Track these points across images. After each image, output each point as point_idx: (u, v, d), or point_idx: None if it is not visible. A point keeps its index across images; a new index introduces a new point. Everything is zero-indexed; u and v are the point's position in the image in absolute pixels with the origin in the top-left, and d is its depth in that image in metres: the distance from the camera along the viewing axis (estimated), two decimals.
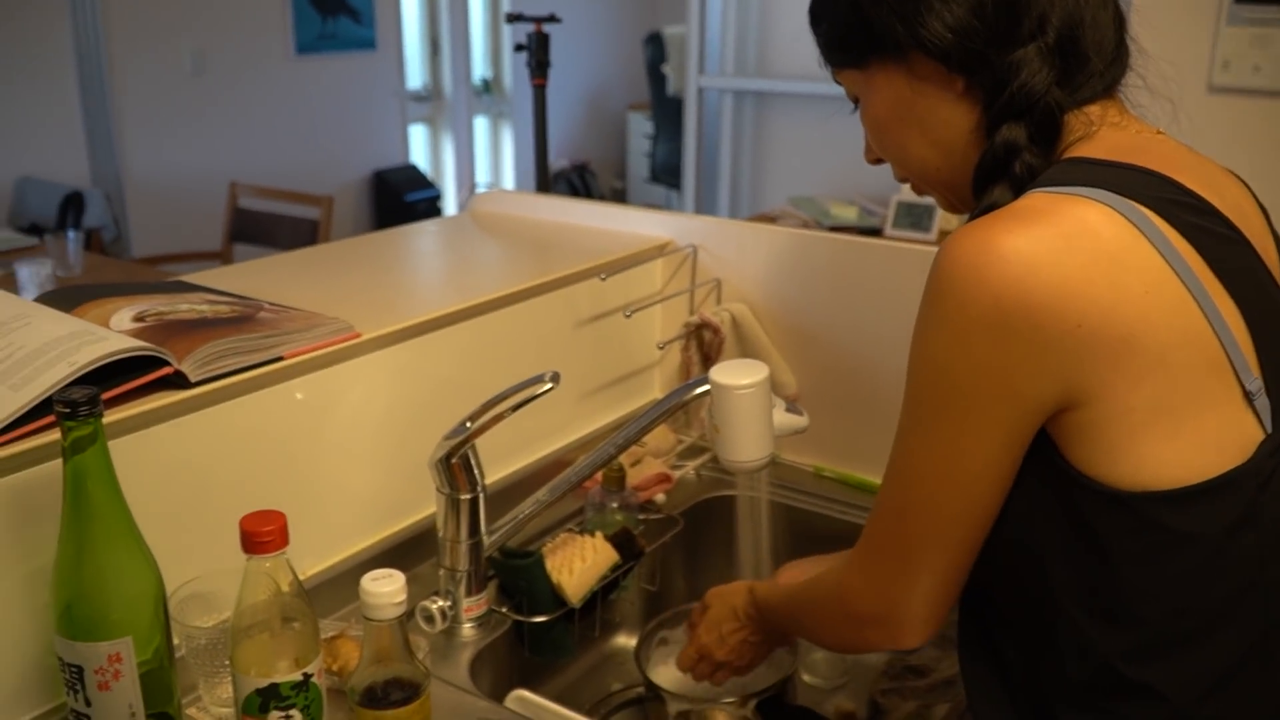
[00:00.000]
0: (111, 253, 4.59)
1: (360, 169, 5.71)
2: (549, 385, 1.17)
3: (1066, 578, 0.84)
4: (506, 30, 6.31)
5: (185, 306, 1.20)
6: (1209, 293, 0.80)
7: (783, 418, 1.19)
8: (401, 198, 5.68)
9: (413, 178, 5.83)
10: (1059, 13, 0.85)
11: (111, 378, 1.02)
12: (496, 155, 6.73)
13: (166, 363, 1.05)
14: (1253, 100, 2.82)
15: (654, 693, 1.31)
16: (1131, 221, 0.79)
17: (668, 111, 5.62)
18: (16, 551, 0.97)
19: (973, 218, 0.84)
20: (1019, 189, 0.84)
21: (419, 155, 6.16)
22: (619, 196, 6.98)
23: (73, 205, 4.42)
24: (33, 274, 3.18)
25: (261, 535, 0.92)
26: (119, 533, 0.95)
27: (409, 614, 1.17)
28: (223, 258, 4.41)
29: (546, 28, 2.49)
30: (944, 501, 0.85)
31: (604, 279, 1.52)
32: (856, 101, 0.98)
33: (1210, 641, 0.83)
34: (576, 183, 6.62)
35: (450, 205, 6.20)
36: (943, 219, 3.08)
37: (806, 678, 1.47)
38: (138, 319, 1.15)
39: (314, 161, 5.37)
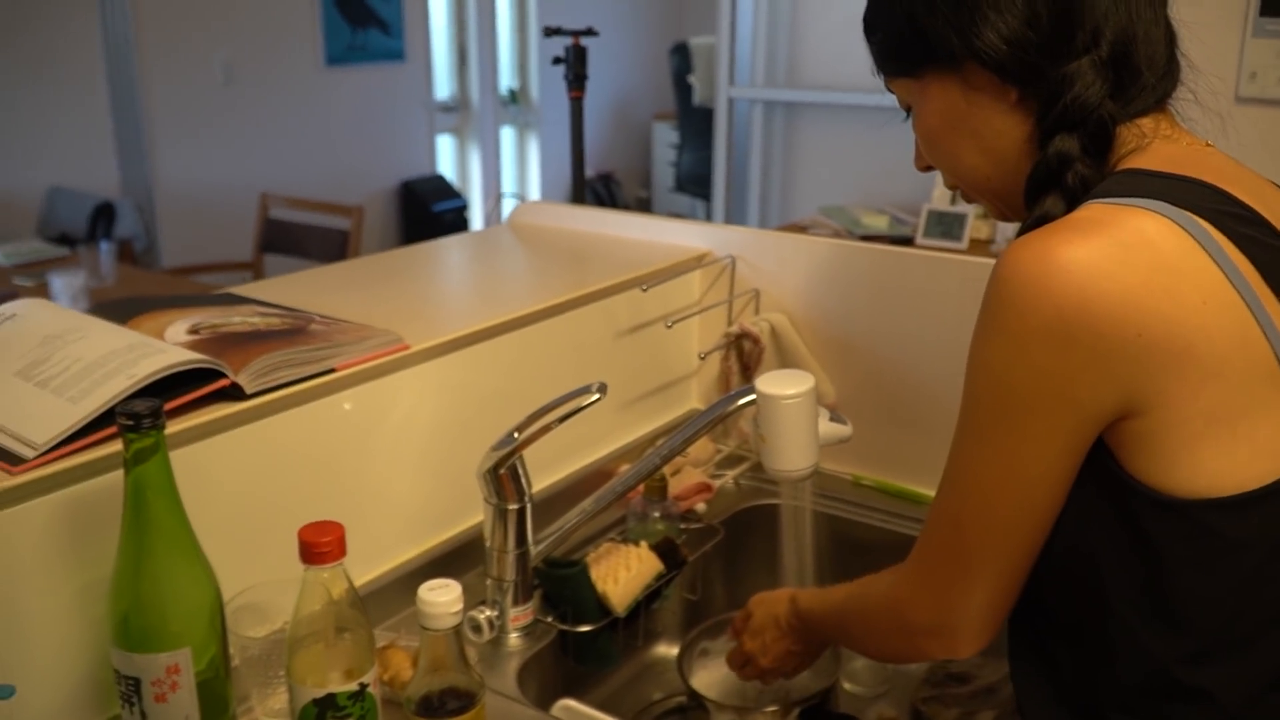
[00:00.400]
0: (142, 263, 4.63)
1: (388, 179, 5.74)
2: (596, 396, 1.18)
3: (1121, 584, 0.85)
4: (534, 41, 6.34)
5: (238, 319, 1.21)
6: (1263, 302, 0.81)
7: (827, 427, 1.20)
8: (429, 208, 5.71)
9: (440, 188, 5.86)
10: (1113, 26, 0.86)
11: (168, 390, 1.03)
12: (523, 165, 6.76)
13: (223, 375, 1.07)
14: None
15: (697, 701, 1.31)
16: (1188, 232, 0.80)
17: (693, 121, 5.63)
18: (73, 563, 0.99)
19: (1025, 228, 0.85)
20: (1071, 200, 0.85)
21: (446, 166, 6.20)
22: (644, 206, 6.99)
23: (103, 216, 4.46)
24: (66, 285, 3.21)
25: (320, 546, 0.93)
26: (178, 543, 0.96)
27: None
28: (254, 268, 4.45)
29: (584, 41, 2.50)
30: (1001, 509, 0.85)
31: (645, 290, 1.53)
32: (909, 110, 0.99)
33: (1263, 645, 0.84)
34: (601, 192, 6.64)
35: (477, 215, 6.23)
36: (974, 228, 3.08)
37: (848, 685, 1.47)
38: (192, 331, 1.16)
39: (342, 172, 5.40)
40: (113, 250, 3.62)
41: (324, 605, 0.96)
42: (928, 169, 1.02)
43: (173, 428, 1.02)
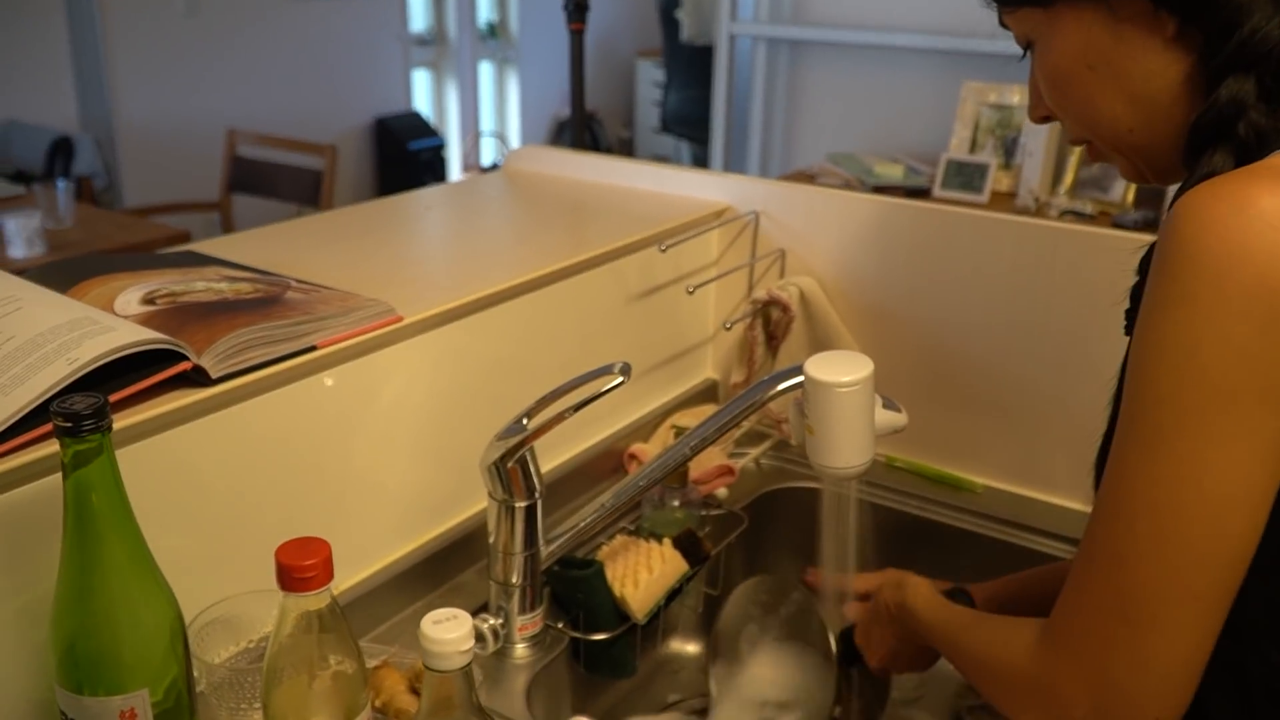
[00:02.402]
0: (103, 202, 4.41)
1: (361, 116, 5.51)
2: (619, 379, 1.02)
3: None
4: None
5: (201, 285, 1.04)
6: None
7: (882, 415, 1.04)
8: (404, 146, 5.48)
9: (416, 125, 5.63)
10: None
11: (119, 375, 0.87)
12: (502, 103, 6.52)
13: (184, 357, 0.90)
14: None
15: None
16: None
17: (680, 59, 5.41)
18: (8, 583, 0.83)
19: (1185, 188, 0.69)
20: (1243, 155, 0.69)
21: (422, 102, 5.96)
22: (626, 147, 6.78)
23: (61, 151, 4.24)
24: (20, 226, 3.01)
25: (303, 571, 0.77)
26: (129, 558, 0.80)
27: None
28: (221, 209, 4.24)
29: None
30: (1188, 541, 0.67)
31: (664, 250, 1.37)
32: (1027, 48, 0.82)
33: None
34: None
35: (455, 154, 6.01)
36: (995, 179, 2.91)
37: None
38: (147, 300, 0.99)
39: (313, 108, 5.17)
40: (70, 189, 3.41)
41: (307, 636, 0.81)
42: (1045, 119, 0.85)
43: (122, 421, 0.86)
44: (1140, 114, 0.76)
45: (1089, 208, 2.87)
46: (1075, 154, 2.94)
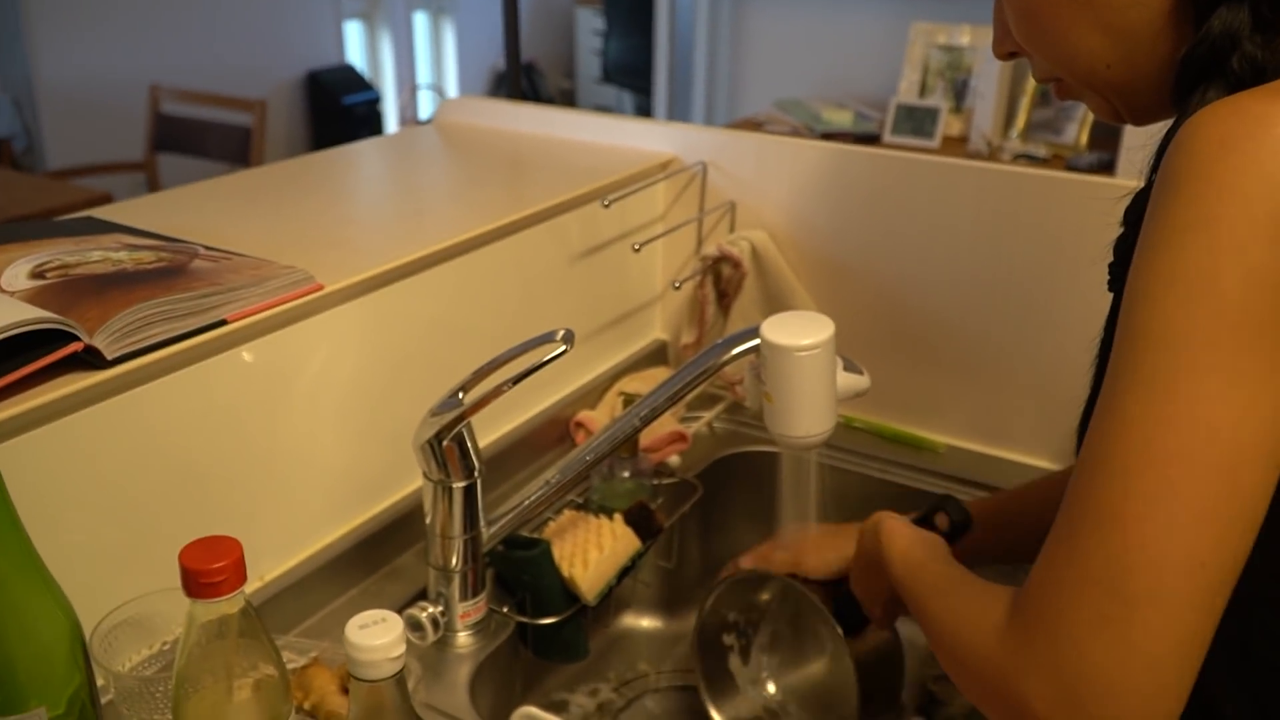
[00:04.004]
0: (24, 165, 4.22)
1: (292, 70, 5.31)
2: (562, 348, 0.94)
3: None
4: None
5: (98, 255, 0.95)
6: None
7: (843, 379, 0.98)
8: (338, 101, 5.30)
9: (350, 79, 5.45)
10: None
11: (1, 359, 0.78)
12: (438, 54, 6.35)
13: (75, 337, 0.81)
14: None
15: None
16: None
17: (620, 6, 5.28)
18: None
19: (1179, 124, 0.62)
20: (1236, 90, 0.62)
21: (355, 55, 5.77)
22: (568, 97, 6.64)
23: None
24: None
25: (210, 575, 0.69)
26: (16, 567, 0.72)
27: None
28: (146, 169, 4.07)
29: None
30: (1195, 495, 0.57)
31: (607, 205, 1.29)
32: None
33: None
34: (523, 83, 6.26)
35: (391, 108, 5.84)
36: (946, 124, 2.84)
37: None
38: (36, 274, 0.90)
39: (241, 62, 4.97)
40: None
41: (220, 644, 0.73)
42: (1011, 56, 0.77)
43: (6, 411, 0.77)
44: (1119, 48, 0.69)
45: (1042, 151, 2.82)
46: (1027, 96, 2.88)
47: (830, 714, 1.09)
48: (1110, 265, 0.72)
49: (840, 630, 1.00)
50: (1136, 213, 0.67)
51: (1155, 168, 0.65)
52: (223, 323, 0.90)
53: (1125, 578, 0.58)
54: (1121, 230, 0.71)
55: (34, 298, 0.85)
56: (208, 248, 1.02)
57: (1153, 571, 0.57)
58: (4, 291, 0.86)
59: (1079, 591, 0.59)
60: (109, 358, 0.82)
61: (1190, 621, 0.57)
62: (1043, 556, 0.63)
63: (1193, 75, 0.64)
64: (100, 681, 0.81)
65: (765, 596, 1.12)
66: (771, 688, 1.13)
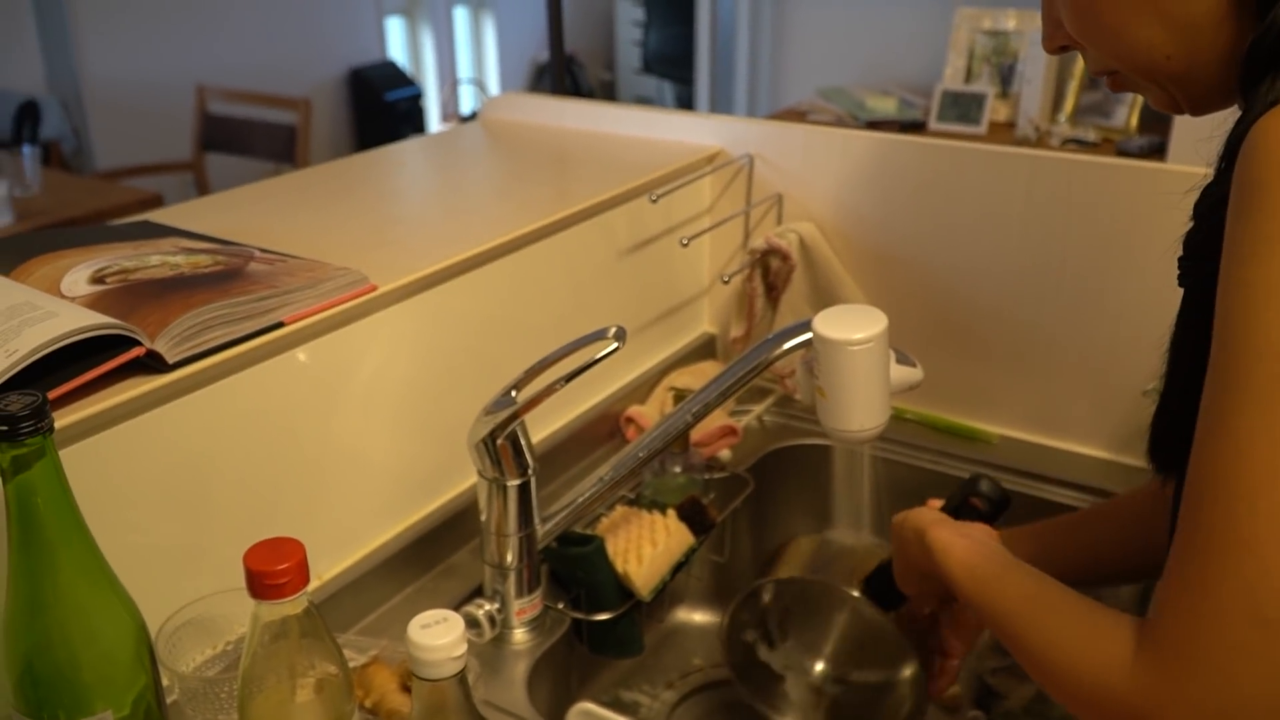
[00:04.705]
0: (73, 167, 4.28)
1: (335, 67, 5.35)
2: (614, 345, 0.95)
3: None
4: None
5: (156, 259, 0.96)
6: None
7: (896, 372, 0.97)
8: (381, 97, 5.33)
9: (392, 75, 5.48)
10: None
11: (66, 364, 0.79)
12: (479, 49, 6.36)
13: (136, 342, 0.82)
14: None
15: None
16: None
17: None
18: None
19: (1250, 117, 0.61)
20: None
21: (397, 51, 5.80)
22: (608, 90, 6.63)
23: (28, 116, 4.10)
24: None
25: (275, 577, 0.70)
26: (82, 569, 0.74)
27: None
28: (194, 169, 4.12)
29: None
30: None
31: (655, 200, 1.28)
32: None
33: None
34: (564, 75, 6.26)
35: (433, 103, 5.86)
36: (993, 110, 2.81)
37: None
38: (96, 279, 0.91)
39: (285, 60, 5.01)
40: (37, 154, 3.29)
41: (283, 643, 0.74)
42: (1062, 50, 0.76)
43: (71, 416, 0.78)
44: (1180, 39, 0.67)
45: (1092, 135, 2.77)
46: (1075, 79, 2.84)
47: (877, 652, 1.09)
48: (1180, 259, 0.70)
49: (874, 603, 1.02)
50: (1207, 206, 0.65)
51: (1225, 160, 0.64)
52: (280, 325, 0.91)
53: (1262, 604, 0.57)
54: (1191, 224, 0.70)
55: (95, 303, 0.86)
56: (263, 250, 1.03)
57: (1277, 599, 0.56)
58: (65, 297, 0.88)
59: (1217, 621, 0.58)
60: (170, 362, 0.83)
61: None
62: (1169, 585, 0.61)
63: (1260, 65, 0.62)
64: (165, 682, 0.82)
65: (767, 598, 1.12)
66: (811, 662, 1.14)
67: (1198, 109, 0.72)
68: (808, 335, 0.95)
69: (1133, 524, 0.95)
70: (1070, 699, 0.68)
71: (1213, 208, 0.62)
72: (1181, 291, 0.71)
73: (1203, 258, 0.62)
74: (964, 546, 0.85)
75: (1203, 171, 0.69)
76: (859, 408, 0.94)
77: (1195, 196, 0.70)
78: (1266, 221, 0.57)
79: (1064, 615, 0.70)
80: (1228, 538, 0.58)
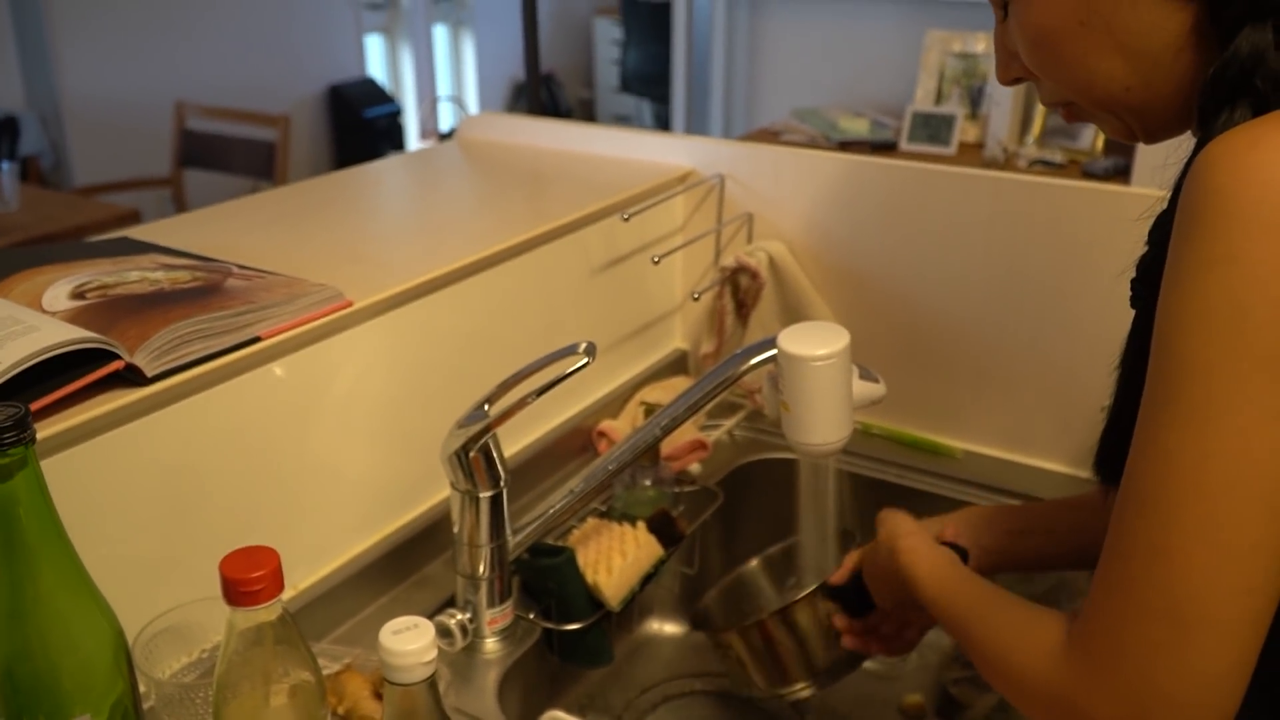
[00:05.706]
0: (51, 182, 4.28)
1: (314, 84, 5.37)
2: (584, 360, 0.97)
3: None
4: None
5: (135, 275, 0.98)
6: None
7: (859, 387, 1.00)
8: (360, 114, 5.36)
9: (371, 92, 5.50)
10: None
11: (48, 377, 0.81)
12: (458, 67, 6.40)
13: (116, 355, 0.84)
14: None
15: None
16: None
17: (639, 16, 5.32)
18: None
19: (1201, 146, 0.64)
20: (1261, 108, 0.63)
21: (376, 68, 5.83)
22: (586, 108, 6.67)
23: (6, 132, 4.11)
24: None
25: (250, 584, 0.72)
26: (62, 577, 0.75)
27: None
28: (172, 185, 4.13)
29: None
30: (1241, 524, 0.59)
31: (627, 219, 1.31)
32: (1005, 6, 0.76)
33: None
34: (541, 94, 6.30)
35: (412, 120, 5.89)
36: (962, 130, 2.86)
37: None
38: (76, 295, 0.93)
39: (264, 77, 5.03)
40: (15, 170, 3.30)
41: (258, 649, 0.76)
42: (1016, 81, 0.79)
43: (52, 427, 0.80)
44: (1139, 71, 0.70)
45: (1058, 156, 2.82)
46: None
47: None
48: (1133, 281, 0.73)
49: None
50: (1161, 233, 0.68)
51: (1178, 187, 0.66)
52: (257, 340, 0.93)
53: (1179, 606, 0.61)
54: (1146, 249, 0.72)
55: (75, 318, 0.88)
56: (240, 266, 1.05)
57: (1203, 600, 0.60)
58: (46, 312, 0.89)
59: (1137, 620, 0.63)
60: (149, 375, 0.85)
61: (1241, 643, 0.61)
62: (1098, 586, 0.66)
63: (1220, 95, 0.65)
64: (142, 689, 0.83)
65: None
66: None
67: (1152, 137, 0.74)
68: (773, 351, 0.98)
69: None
70: (1007, 687, 0.73)
71: (1166, 233, 0.65)
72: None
73: (1154, 281, 0.65)
74: (930, 556, 0.91)
75: (1161, 194, 0.72)
76: (822, 422, 0.96)
77: (1151, 221, 0.73)
78: (1203, 245, 0.60)
79: (1008, 613, 0.76)
80: (1149, 543, 0.62)
